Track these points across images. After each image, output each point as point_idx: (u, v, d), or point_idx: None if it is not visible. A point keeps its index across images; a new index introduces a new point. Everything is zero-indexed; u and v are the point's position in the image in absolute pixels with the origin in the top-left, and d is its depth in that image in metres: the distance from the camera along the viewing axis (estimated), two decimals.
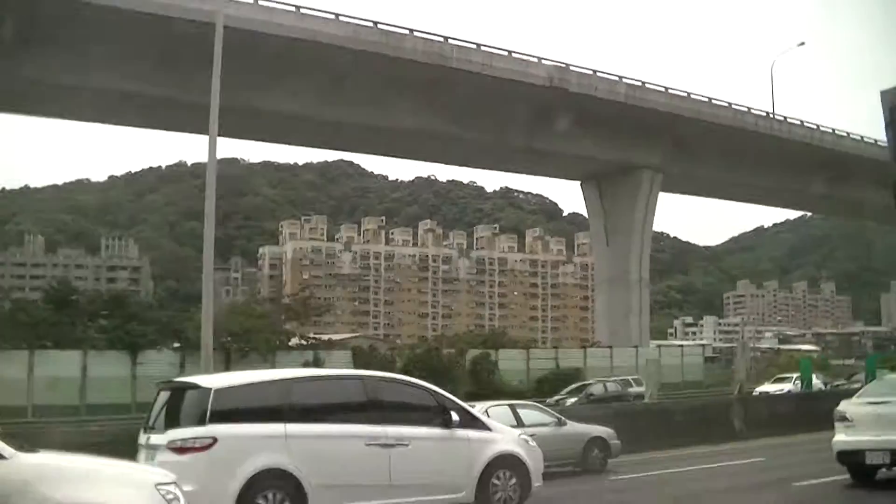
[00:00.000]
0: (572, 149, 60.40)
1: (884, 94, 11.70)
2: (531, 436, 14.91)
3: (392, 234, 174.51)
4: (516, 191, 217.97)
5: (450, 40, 53.51)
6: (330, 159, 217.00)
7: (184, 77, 42.11)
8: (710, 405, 32.06)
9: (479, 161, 67.81)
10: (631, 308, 65.29)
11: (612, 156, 62.47)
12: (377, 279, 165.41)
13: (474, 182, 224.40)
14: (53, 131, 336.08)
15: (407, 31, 52.23)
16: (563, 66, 57.73)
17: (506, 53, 55.62)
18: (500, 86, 54.17)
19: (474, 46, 54.40)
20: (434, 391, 12.52)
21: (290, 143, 66.27)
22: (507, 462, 12.37)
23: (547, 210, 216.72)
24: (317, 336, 53.99)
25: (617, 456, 19.41)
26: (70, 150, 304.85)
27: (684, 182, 68.98)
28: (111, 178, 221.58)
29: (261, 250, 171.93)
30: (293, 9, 48.53)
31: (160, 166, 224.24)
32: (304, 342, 50.03)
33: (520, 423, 17.20)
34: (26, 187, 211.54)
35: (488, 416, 15.38)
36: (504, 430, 13.12)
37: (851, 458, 13.93)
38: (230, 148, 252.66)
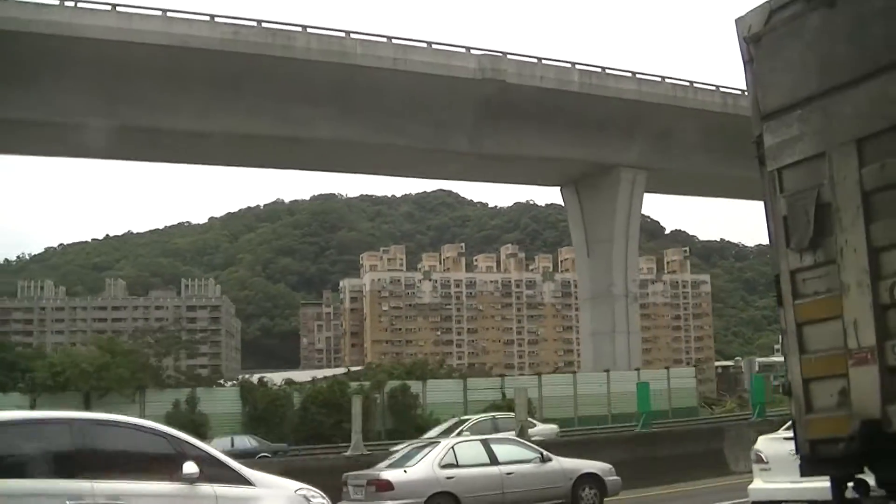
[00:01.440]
0: (532, 150, 53.89)
1: (739, 21, 8.17)
2: (508, 474, 15.71)
3: (476, 260, 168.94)
4: None
5: (352, 35, 47.86)
6: (428, 189, 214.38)
7: None
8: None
9: (419, 170, 61.52)
10: (615, 326, 57.61)
11: (583, 155, 55.62)
12: (459, 307, 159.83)
13: None
14: (155, 176, 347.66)
15: (299, 28, 46.89)
16: (498, 54, 51.39)
17: (424, 45, 49.67)
18: (424, 83, 48.39)
19: (383, 40, 48.66)
20: (172, 436, 9.70)
21: (197, 163, 61.04)
22: None
23: (647, 228, 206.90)
24: (197, 371, 48.73)
25: (616, 494, 17.47)
26: (170, 194, 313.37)
27: (678, 180, 60.82)
28: (211, 219, 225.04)
29: (341, 283, 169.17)
30: (159, 13, 44.00)
31: (258, 205, 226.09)
32: (180, 378, 45.01)
33: (494, 461, 16.25)
34: (129, 233, 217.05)
35: (454, 452, 15.85)
36: (274, 483, 10.07)
37: None
38: (328, 183, 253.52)
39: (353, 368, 64.87)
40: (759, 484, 12.19)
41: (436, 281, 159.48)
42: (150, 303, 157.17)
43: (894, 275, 6.45)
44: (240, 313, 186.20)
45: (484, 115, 50.90)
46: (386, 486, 15.22)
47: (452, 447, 16.30)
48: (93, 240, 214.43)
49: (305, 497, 10.23)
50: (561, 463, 17.10)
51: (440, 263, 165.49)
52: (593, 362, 58.28)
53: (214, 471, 9.80)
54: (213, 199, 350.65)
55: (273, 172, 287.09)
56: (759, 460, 12.46)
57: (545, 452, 17.30)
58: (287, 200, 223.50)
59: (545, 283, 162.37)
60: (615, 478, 17.43)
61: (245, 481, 9.93)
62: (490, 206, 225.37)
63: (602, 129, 54.20)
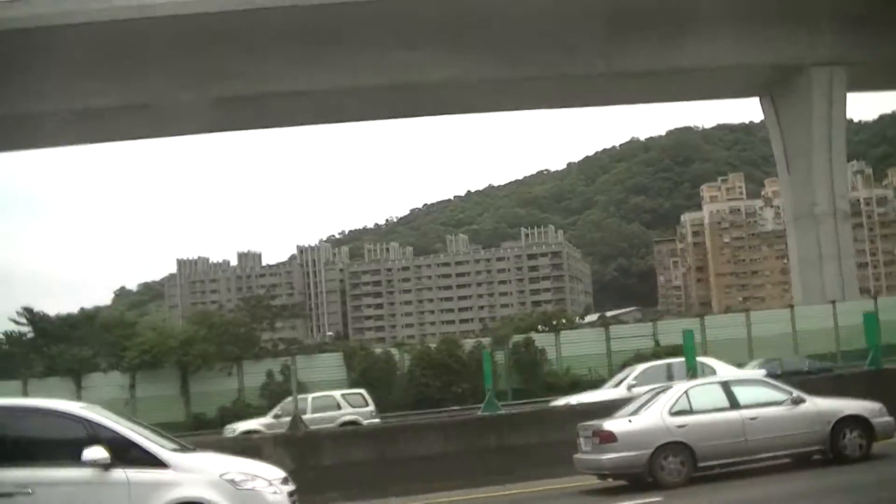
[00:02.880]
0: (689, 61, 47.40)
1: None
2: (752, 419, 14.43)
3: None
4: None
5: None
6: None
7: None
8: None
9: (554, 100, 55.65)
10: (821, 252, 49.39)
11: (756, 58, 48.04)
12: None
13: None
14: (513, 128, 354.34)
15: None
16: None
17: None
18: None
19: None
20: (89, 420, 9.84)
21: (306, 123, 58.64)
22: None
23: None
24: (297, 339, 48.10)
25: (891, 437, 15.31)
26: (529, 144, 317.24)
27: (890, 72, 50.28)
28: (569, 164, 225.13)
29: (682, 217, 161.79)
30: None
31: (614, 146, 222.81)
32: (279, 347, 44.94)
33: (735, 405, 14.93)
34: (490, 186, 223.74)
35: (688, 397, 14.80)
36: (196, 467, 9.90)
37: None
38: (684, 116, 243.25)
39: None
40: None
41: (778, 207, 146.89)
42: (491, 255, 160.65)
43: None
44: (596, 255, 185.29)
45: (618, 30, 45.33)
46: (608, 437, 14.33)
47: (686, 392, 15.06)
48: (455, 197, 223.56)
49: (233, 481, 9.65)
50: (816, 404, 15.15)
51: None
52: (803, 294, 50.18)
53: (130, 454, 9.53)
54: (572, 144, 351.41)
55: (629, 109, 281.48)
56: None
57: (798, 393, 15.38)
58: (643, 138, 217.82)
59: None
60: (887, 418, 15.24)
61: (162, 464, 9.58)
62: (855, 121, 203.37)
63: (779, 22, 46.09)
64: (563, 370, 41.09)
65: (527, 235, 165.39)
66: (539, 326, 48.88)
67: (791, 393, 15.38)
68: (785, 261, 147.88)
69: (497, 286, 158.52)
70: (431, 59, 45.05)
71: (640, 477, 14.37)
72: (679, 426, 14.39)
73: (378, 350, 43.64)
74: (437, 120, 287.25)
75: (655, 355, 40.39)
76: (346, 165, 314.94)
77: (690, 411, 14.71)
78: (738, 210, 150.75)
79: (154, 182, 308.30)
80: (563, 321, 54.29)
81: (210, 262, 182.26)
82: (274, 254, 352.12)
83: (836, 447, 14.96)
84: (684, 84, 51.58)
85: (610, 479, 14.92)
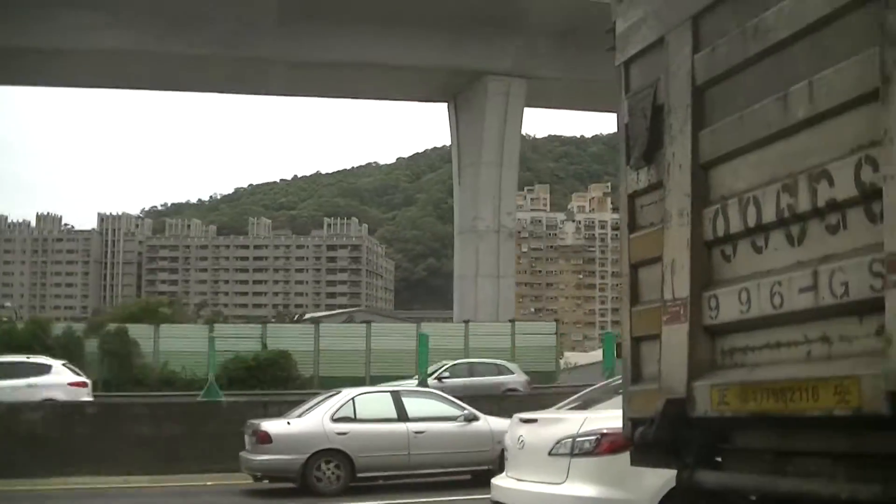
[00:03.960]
0: (370, 56, 45.20)
1: None
2: (418, 433, 14.34)
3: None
4: None
5: None
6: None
7: None
8: None
9: (219, 84, 53.00)
10: (478, 269, 48.04)
11: (436, 61, 46.39)
12: (603, 249, 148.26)
13: None
14: (343, 117, 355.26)
15: None
16: None
17: None
18: None
19: None
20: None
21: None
22: None
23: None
24: None
25: None
26: (357, 135, 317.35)
27: (575, 90, 49.00)
28: (398, 159, 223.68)
29: None
30: None
31: (444, 145, 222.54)
32: None
33: (403, 417, 14.68)
34: (317, 173, 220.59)
35: (353, 404, 14.51)
36: None
37: None
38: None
39: None
40: (501, 480, 9.49)
41: (579, 222, 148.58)
42: (291, 242, 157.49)
43: (721, 200, 4.76)
44: (408, 253, 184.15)
45: (295, 16, 42.67)
46: (264, 437, 13.89)
47: (353, 398, 14.71)
48: (281, 180, 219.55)
49: None
50: (490, 423, 14.95)
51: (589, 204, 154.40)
52: (460, 310, 48.81)
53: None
54: (404, 139, 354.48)
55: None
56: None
57: (472, 411, 15.22)
58: None
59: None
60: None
61: None
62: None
63: (465, 27, 44.29)
64: (161, 365, 38.87)
65: (329, 226, 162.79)
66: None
67: (464, 409, 15.18)
68: (581, 276, 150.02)
69: (293, 274, 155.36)
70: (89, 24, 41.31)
71: (294, 481, 13.99)
72: (339, 433, 14.06)
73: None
74: (279, 100, 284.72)
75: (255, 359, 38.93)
76: (178, 136, 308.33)
77: (354, 419, 14.39)
78: (540, 221, 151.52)
79: None
80: (170, 313, 51.77)
81: (8, 220, 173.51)
82: (84, 220, 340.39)
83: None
84: (371, 81, 49.53)
85: (266, 481, 14.43)
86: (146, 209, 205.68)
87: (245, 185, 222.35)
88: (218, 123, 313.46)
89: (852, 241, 3.85)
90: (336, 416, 14.27)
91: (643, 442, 5.02)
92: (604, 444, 7.72)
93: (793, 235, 4.25)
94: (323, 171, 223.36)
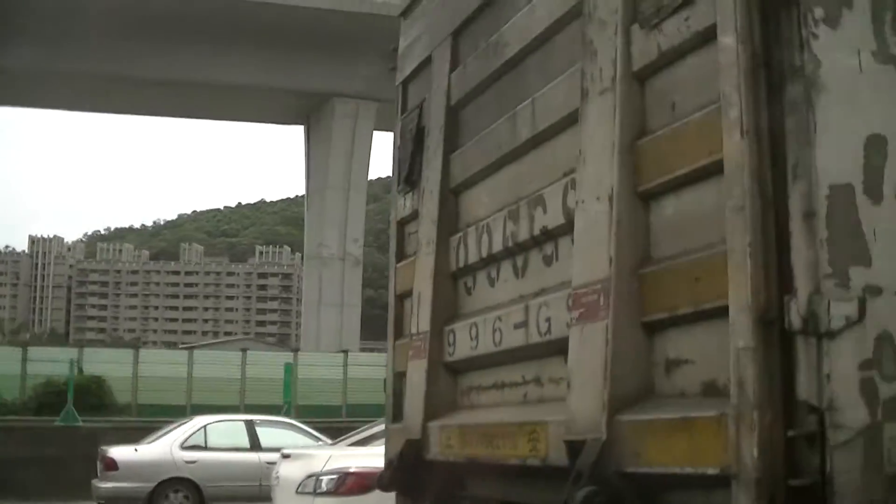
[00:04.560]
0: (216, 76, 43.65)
1: None
2: (270, 464, 12.46)
3: None
4: None
5: None
6: None
7: None
8: None
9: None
10: (321, 297, 46.62)
11: (293, 82, 45.10)
12: None
13: None
14: (289, 144, 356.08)
15: None
16: None
17: None
18: None
19: None
20: None
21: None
22: None
23: None
24: None
25: None
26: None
27: None
28: None
29: None
30: None
31: (389, 175, 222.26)
32: None
33: (255, 446, 14.20)
34: (261, 201, 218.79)
35: (205, 432, 14.16)
36: None
37: None
38: None
39: None
40: None
41: None
42: (222, 269, 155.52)
43: (465, 228, 4.44)
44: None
45: (131, 33, 40.96)
46: (111, 464, 13.77)
47: (205, 426, 14.61)
48: (225, 207, 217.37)
49: None
50: None
51: None
52: (304, 339, 47.45)
53: None
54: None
55: None
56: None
57: (327, 441, 14.40)
58: None
59: None
60: None
61: None
62: None
63: (315, 49, 42.93)
64: None
65: (262, 254, 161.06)
66: None
67: (319, 440, 14.86)
68: None
69: (224, 301, 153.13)
70: None
71: None
72: (188, 461, 13.91)
73: None
74: (218, 126, 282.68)
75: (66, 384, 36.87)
76: (123, 160, 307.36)
77: (205, 447, 14.17)
78: None
79: None
80: None
81: None
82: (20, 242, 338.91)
83: None
84: (220, 102, 48.07)
85: None
86: (88, 233, 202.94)
87: (188, 212, 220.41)
88: (170, 147, 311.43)
89: (561, 274, 3.53)
90: (186, 444, 14.15)
91: (381, 484, 4.82)
92: (348, 484, 7.56)
93: (518, 266, 3.91)
94: (268, 199, 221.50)
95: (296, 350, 43.17)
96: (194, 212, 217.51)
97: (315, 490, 7.91)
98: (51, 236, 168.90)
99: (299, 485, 8.32)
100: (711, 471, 2.65)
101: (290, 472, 8.77)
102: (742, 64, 2.71)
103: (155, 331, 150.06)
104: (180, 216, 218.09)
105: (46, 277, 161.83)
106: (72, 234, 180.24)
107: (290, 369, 29.07)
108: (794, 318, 2.51)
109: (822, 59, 2.62)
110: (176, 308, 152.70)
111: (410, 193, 5.11)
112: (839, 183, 2.58)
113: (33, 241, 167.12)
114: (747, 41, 2.71)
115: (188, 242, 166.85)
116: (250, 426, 14.84)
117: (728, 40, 2.76)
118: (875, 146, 2.62)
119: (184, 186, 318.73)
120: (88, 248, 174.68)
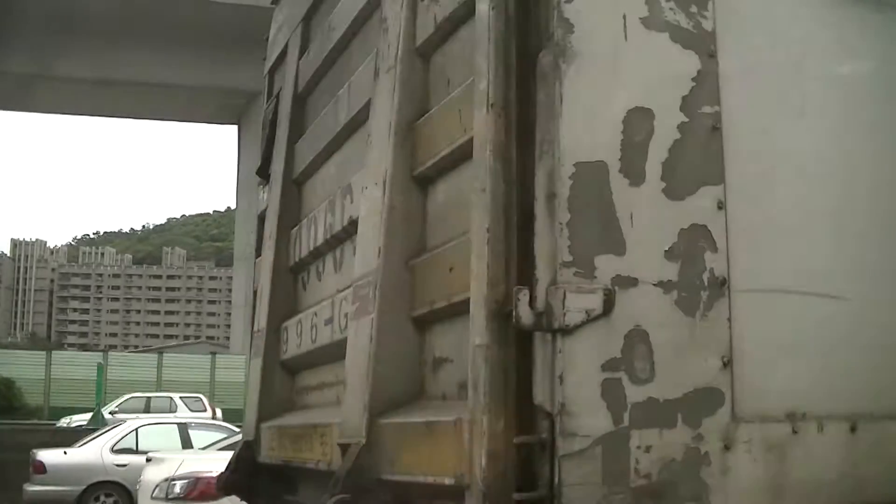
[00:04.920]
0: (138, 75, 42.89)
1: None
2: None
3: None
4: None
5: None
6: None
7: None
8: None
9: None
10: (247, 298, 46.11)
11: (223, 81, 44.08)
12: None
13: None
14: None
15: None
16: None
17: None
18: None
19: None
20: None
21: None
22: None
23: None
24: None
25: None
26: None
27: None
28: None
29: None
30: None
31: None
32: None
33: (187, 446, 13.59)
34: (228, 209, 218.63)
35: (136, 435, 13.97)
36: None
37: None
38: None
39: None
40: None
41: None
42: (204, 273, 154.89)
43: (302, 220, 4.24)
44: None
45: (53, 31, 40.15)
46: (39, 467, 13.49)
47: (137, 429, 14.28)
48: (214, 211, 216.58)
49: None
50: None
51: None
52: (234, 340, 47.49)
53: None
54: None
55: None
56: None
57: None
58: None
59: None
60: None
61: None
62: None
63: (239, 47, 42.05)
64: None
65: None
66: None
67: None
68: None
69: (206, 306, 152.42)
70: None
71: None
72: (119, 465, 13.57)
73: None
74: (215, 129, 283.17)
75: None
76: (116, 163, 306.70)
77: (135, 451, 13.66)
78: None
79: None
80: None
81: None
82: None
83: None
84: (147, 101, 47.17)
85: None
86: (77, 237, 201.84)
87: (178, 216, 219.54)
88: (159, 151, 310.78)
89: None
90: (116, 447, 13.87)
91: (218, 487, 4.58)
92: (199, 488, 7.31)
93: (337, 259, 3.74)
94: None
95: (213, 353, 43.31)
96: (183, 216, 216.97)
97: (167, 495, 7.73)
98: (33, 240, 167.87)
99: (154, 489, 8.15)
100: (448, 480, 2.38)
101: (150, 476, 8.60)
102: (494, 32, 2.42)
103: (137, 335, 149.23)
104: (169, 220, 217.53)
105: (28, 281, 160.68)
106: (61, 238, 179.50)
107: (101, 370, 28.45)
108: (524, 312, 2.20)
109: (574, 23, 2.31)
110: (157, 312, 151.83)
111: (265, 186, 4.89)
112: (588, 160, 2.27)
113: (16, 244, 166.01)
114: (500, 6, 2.43)
115: (171, 247, 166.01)
116: (183, 428, 14.63)
117: (483, 6, 2.48)
118: (637, 121, 2.32)
119: (174, 190, 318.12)
120: (71, 252, 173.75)
